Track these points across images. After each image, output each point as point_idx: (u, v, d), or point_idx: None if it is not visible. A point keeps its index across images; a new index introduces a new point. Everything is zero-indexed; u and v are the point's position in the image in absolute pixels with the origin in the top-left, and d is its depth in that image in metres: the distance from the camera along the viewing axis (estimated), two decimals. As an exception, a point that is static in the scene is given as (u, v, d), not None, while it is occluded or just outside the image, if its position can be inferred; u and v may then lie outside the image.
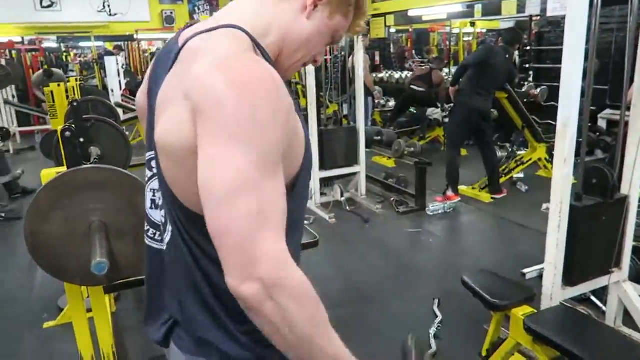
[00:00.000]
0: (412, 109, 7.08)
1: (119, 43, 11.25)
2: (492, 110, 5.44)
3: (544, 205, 2.11)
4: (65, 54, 12.82)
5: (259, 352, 0.80)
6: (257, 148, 0.68)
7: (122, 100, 7.26)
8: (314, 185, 4.41)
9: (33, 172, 4.46)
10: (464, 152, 5.71)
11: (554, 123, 2.14)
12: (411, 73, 7.80)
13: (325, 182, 4.63)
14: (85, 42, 12.64)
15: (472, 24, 9.78)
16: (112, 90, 6.93)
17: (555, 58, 2.01)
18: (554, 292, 2.13)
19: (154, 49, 15.00)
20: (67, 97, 4.24)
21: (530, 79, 6.42)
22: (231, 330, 0.79)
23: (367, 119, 6.86)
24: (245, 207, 0.66)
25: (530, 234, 3.72)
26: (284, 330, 0.68)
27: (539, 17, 6.61)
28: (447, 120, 6.07)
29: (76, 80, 5.03)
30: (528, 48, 6.38)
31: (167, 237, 0.85)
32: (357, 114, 4.67)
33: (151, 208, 0.91)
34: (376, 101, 7.41)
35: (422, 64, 8.27)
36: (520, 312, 1.93)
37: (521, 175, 5.10)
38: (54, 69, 8.26)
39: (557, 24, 6.15)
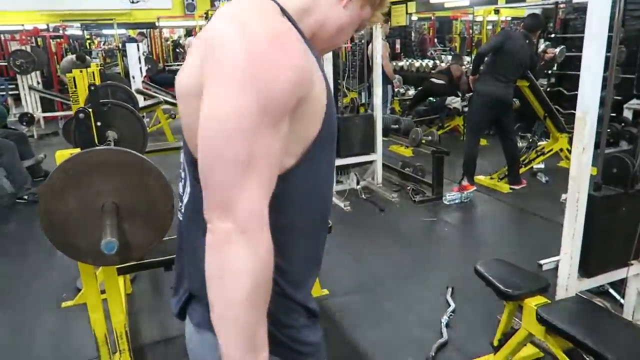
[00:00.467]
0: (431, 98, 6.99)
1: (142, 30, 11.36)
2: (514, 99, 5.34)
3: (563, 196, 2.06)
4: (88, 41, 12.99)
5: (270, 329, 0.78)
6: (258, 95, 0.67)
7: (143, 87, 7.35)
8: (330, 172, 4.39)
9: (55, 156, 4.55)
10: (483, 141, 5.63)
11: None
12: (432, 62, 7.71)
13: (342, 170, 4.61)
14: (108, 29, 12.78)
15: (496, 12, 9.58)
16: (134, 77, 7.02)
17: (581, 46, 1.96)
18: (570, 283, 2.09)
19: (176, 37, 15.11)
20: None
21: (555, 68, 6.27)
22: None
23: (386, 107, 6.81)
24: (235, 152, 0.67)
25: (549, 225, 3.65)
26: (228, 280, 0.67)
27: (564, 4, 6.43)
28: (466, 109, 5.98)
29: (97, 66, 5.09)
30: (553, 36, 6.22)
31: (185, 198, 0.85)
32: (374, 102, 4.63)
33: (180, 181, 0.91)
34: (395, 89, 7.34)
35: (443, 53, 8.14)
36: (533, 302, 1.89)
37: (542, 165, 5.00)
38: (86, 61, 8.39)
39: (583, 11, 5.95)
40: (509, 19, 11.82)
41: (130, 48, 7.47)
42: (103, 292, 1.93)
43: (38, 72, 8.57)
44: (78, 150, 1.67)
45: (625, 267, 2.19)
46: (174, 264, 1.30)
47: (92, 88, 2.61)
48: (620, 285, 2.42)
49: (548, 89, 6.18)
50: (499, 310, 2.24)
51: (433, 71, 7.12)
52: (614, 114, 5.31)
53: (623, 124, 5.44)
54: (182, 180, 0.87)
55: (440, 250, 3.52)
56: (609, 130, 5.09)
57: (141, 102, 6.10)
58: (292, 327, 0.81)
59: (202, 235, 0.71)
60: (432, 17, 11.78)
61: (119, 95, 4.15)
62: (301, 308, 0.84)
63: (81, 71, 4.93)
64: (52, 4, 9.86)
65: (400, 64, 8.19)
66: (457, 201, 4.30)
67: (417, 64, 7.81)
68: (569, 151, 4.76)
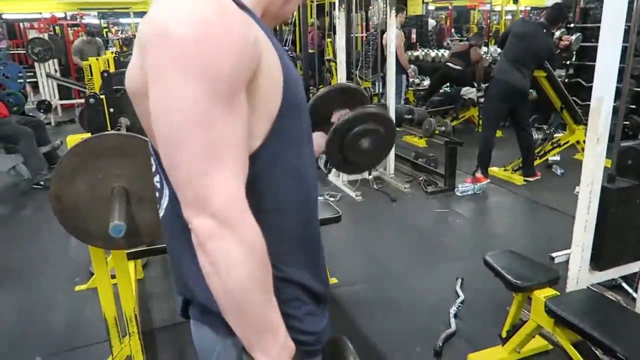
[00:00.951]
0: (446, 88, 6.90)
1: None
2: (531, 90, 5.25)
3: (577, 188, 2.03)
4: (105, 29, 13.09)
5: None
6: (203, 78, 0.63)
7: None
8: (342, 162, 4.38)
9: (70, 143, 4.61)
10: (498, 133, 5.56)
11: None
12: (448, 51, 7.60)
13: (354, 160, 4.60)
14: (125, 18, 12.87)
15: (515, 1, 9.41)
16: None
17: (601, 36, 1.92)
18: (580, 275, 2.06)
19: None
20: (104, 70, 4.34)
21: (573, 59, 6.14)
22: None
23: (400, 97, 6.75)
24: (194, 142, 0.64)
25: (563, 218, 3.60)
26: (223, 274, 0.66)
27: (585, -7, 6.27)
28: (482, 100, 5.91)
29: (112, 54, 5.13)
30: (572, 25, 6.08)
31: (164, 201, 0.81)
32: (387, 92, 4.60)
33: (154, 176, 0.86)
34: (410, 80, 7.27)
35: (461, 42, 8.03)
36: (542, 294, 1.88)
37: (557, 158, 4.93)
38: (95, 38, 8.48)
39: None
40: (528, 8, 11.61)
41: (146, 36, 7.51)
42: (114, 276, 1.96)
43: (56, 60, 8.67)
44: (88, 135, 1.68)
45: (638, 260, 2.17)
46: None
47: (105, 75, 2.63)
48: (633, 279, 2.38)
49: (566, 80, 6.06)
50: (508, 302, 2.23)
51: (451, 51, 6.97)
52: (634, 106, 5.20)
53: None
54: (159, 183, 0.82)
55: (451, 241, 3.50)
56: (627, 122, 4.99)
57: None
58: (293, 317, 0.79)
59: (187, 236, 0.69)
60: (450, 7, 11.63)
61: (133, 83, 4.18)
62: (304, 293, 0.82)
63: (97, 59, 5.01)
64: (70, -8, 9.96)
65: (416, 53, 8.10)
66: (469, 193, 4.26)
67: (432, 53, 7.72)
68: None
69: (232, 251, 0.65)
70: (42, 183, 4.54)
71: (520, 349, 2.09)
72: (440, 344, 2.24)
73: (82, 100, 8.13)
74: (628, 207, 2.08)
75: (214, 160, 0.65)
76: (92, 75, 5.02)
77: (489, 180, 4.41)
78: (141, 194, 1.60)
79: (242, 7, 0.71)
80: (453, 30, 12.33)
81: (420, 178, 4.53)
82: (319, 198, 0.91)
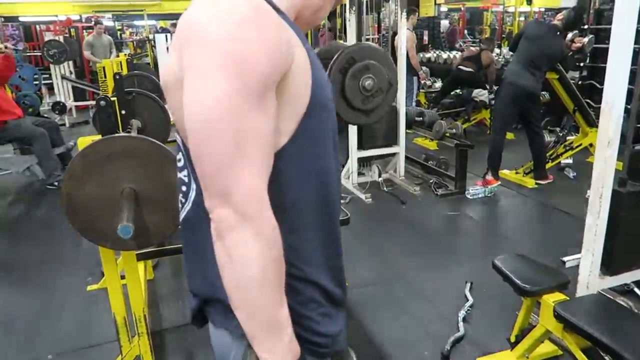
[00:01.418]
0: (457, 91, 6.87)
1: (174, 21, 11.53)
2: (543, 93, 5.19)
3: (588, 192, 2.01)
4: (119, 31, 13.24)
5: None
6: (237, 75, 0.66)
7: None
8: (352, 164, 4.39)
9: (84, 144, 4.68)
10: (510, 135, 5.52)
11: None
12: (460, 54, 7.56)
13: (364, 162, 4.60)
14: (139, 20, 12.99)
15: (529, 2, 9.34)
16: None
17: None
18: (591, 280, 2.04)
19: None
20: (118, 72, 4.39)
21: (587, 60, 6.07)
22: None
23: (412, 100, 6.72)
24: (223, 137, 0.66)
25: (574, 221, 3.56)
26: (237, 267, 0.68)
27: (600, -6, 6.20)
28: (493, 102, 5.86)
29: (125, 55, 5.19)
30: (586, 27, 6.02)
31: (192, 195, 0.82)
32: (398, 94, 4.58)
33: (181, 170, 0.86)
34: (421, 82, 7.24)
35: (473, 44, 7.99)
36: (552, 298, 1.86)
37: (569, 161, 4.87)
38: (106, 35, 8.58)
39: (619, 1, 5.74)
40: (542, 9, 11.51)
41: (159, 39, 7.57)
42: (124, 277, 1.99)
43: (71, 63, 8.79)
44: (99, 137, 1.71)
45: (651, 265, 2.13)
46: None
47: (117, 77, 2.66)
48: (645, 285, 2.35)
49: (579, 82, 5.99)
50: (518, 306, 2.21)
51: (462, 55, 6.95)
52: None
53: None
54: (186, 177, 0.83)
55: (461, 244, 3.48)
56: (641, 125, 4.92)
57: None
58: (309, 318, 0.80)
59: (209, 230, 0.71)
60: (462, 8, 11.57)
61: (146, 85, 4.21)
62: (321, 294, 0.82)
63: (111, 61, 5.06)
64: (84, -5, 10.09)
65: (428, 55, 8.07)
66: (480, 195, 4.23)
67: (444, 55, 7.68)
68: (599, 146, 4.62)
69: (248, 245, 0.67)
70: (56, 184, 4.60)
71: (529, 354, 2.07)
72: (449, 348, 2.23)
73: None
74: (640, 211, 2.05)
75: (240, 154, 0.67)
76: (105, 77, 5.08)
77: (500, 183, 4.38)
78: (150, 195, 1.62)
79: (277, 9, 0.74)
80: (466, 31, 12.26)
81: (431, 181, 4.51)
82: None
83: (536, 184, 4.48)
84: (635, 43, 1.80)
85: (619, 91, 1.82)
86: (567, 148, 4.80)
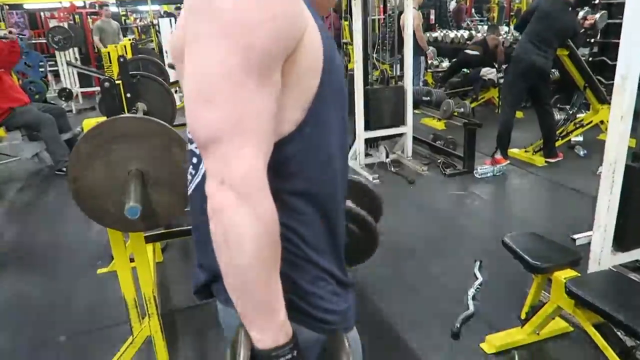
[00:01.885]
0: (465, 70, 6.78)
1: (179, 5, 11.44)
2: (553, 70, 5.10)
3: (600, 168, 1.98)
4: (124, 17, 13.16)
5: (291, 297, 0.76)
6: (240, 48, 0.63)
7: (175, 62, 7.40)
8: (359, 145, 4.36)
9: (91, 129, 4.70)
10: (519, 114, 5.45)
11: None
12: (467, 33, 7.45)
13: (371, 143, 4.57)
14: (143, 5, 12.91)
15: (537, -21, 9.13)
16: (166, 52, 7.08)
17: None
18: (603, 256, 2.02)
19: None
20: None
21: (598, 36, 5.95)
22: None
23: (419, 79, 6.65)
24: (223, 111, 0.64)
25: (585, 199, 3.53)
26: (233, 246, 0.66)
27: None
28: (502, 80, 5.78)
29: (129, 40, 5.17)
30: (597, 2, 5.89)
31: (202, 170, 0.78)
32: (405, 73, 4.53)
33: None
34: (429, 61, 7.15)
35: (480, 23, 7.85)
36: (563, 275, 1.84)
37: (580, 138, 4.81)
38: (111, 20, 8.54)
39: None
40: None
41: (163, 23, 7.53)
42: (134, 260, 1.99)
43: (76, 49, 8.77)
44: (104, 119, 1.69)
45: (663, 241, 2.11)
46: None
47: (122, 60, 2.64)
48: (658, 261, 2.33)
49: (590, 59, 5.89)
50: (527, 284, 2.20)
51: (468, 42, 6.90)
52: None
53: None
54: (198, 150, 0.80)
55: (470, 223, 3.46)
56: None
57: (173, 76, 6.18)
58: (316, 295, 0.79)
59: None
60: (470, -14, 11.36)
61: (151, 69, 4.20)
62: (328, 276, 0.81)
63: (116, 46, 5.05)
64: (88, -19, 10.01)
65: (435, 35, 7.96)
66: (488, 175, 4.20)
67: (452, 35, 7.57)
68: (610, 123, 4.55)
69: (245, 225, 0.65)
70: (64, 169, 4.61)
71: (540, 330, 2.06)
72: (458, 326, 2.23)
73: (102, 88, 8.24)
74: (653, 186, 2.02)
75: (238, 132, 0.64)
76: (110, 62, 5.08)
77: (508, 162, 4.34)
78: (157, 176, 1.61)
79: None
80: (473, 10, 12.04)
81: (439, 160, 4.48)
82: None
83: (546, 162, 4.43)
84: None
85: (632, 64, 1.78)
86: (577, 125, 4.73)
